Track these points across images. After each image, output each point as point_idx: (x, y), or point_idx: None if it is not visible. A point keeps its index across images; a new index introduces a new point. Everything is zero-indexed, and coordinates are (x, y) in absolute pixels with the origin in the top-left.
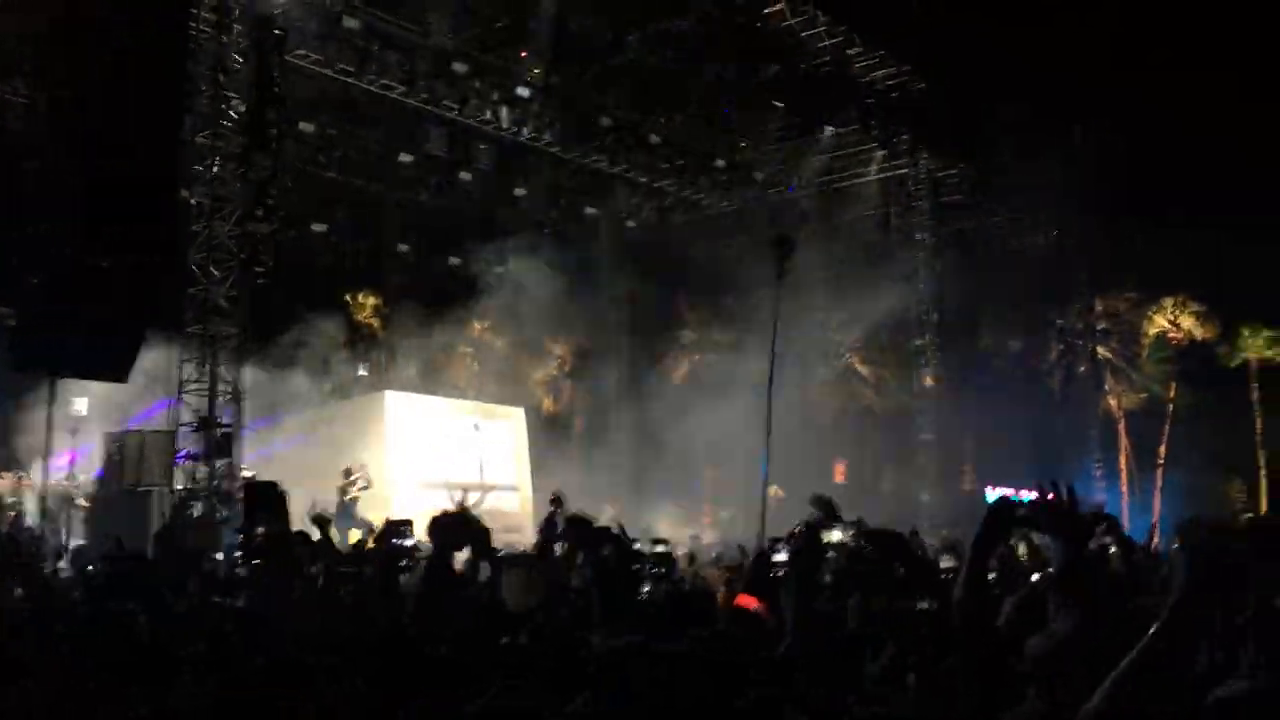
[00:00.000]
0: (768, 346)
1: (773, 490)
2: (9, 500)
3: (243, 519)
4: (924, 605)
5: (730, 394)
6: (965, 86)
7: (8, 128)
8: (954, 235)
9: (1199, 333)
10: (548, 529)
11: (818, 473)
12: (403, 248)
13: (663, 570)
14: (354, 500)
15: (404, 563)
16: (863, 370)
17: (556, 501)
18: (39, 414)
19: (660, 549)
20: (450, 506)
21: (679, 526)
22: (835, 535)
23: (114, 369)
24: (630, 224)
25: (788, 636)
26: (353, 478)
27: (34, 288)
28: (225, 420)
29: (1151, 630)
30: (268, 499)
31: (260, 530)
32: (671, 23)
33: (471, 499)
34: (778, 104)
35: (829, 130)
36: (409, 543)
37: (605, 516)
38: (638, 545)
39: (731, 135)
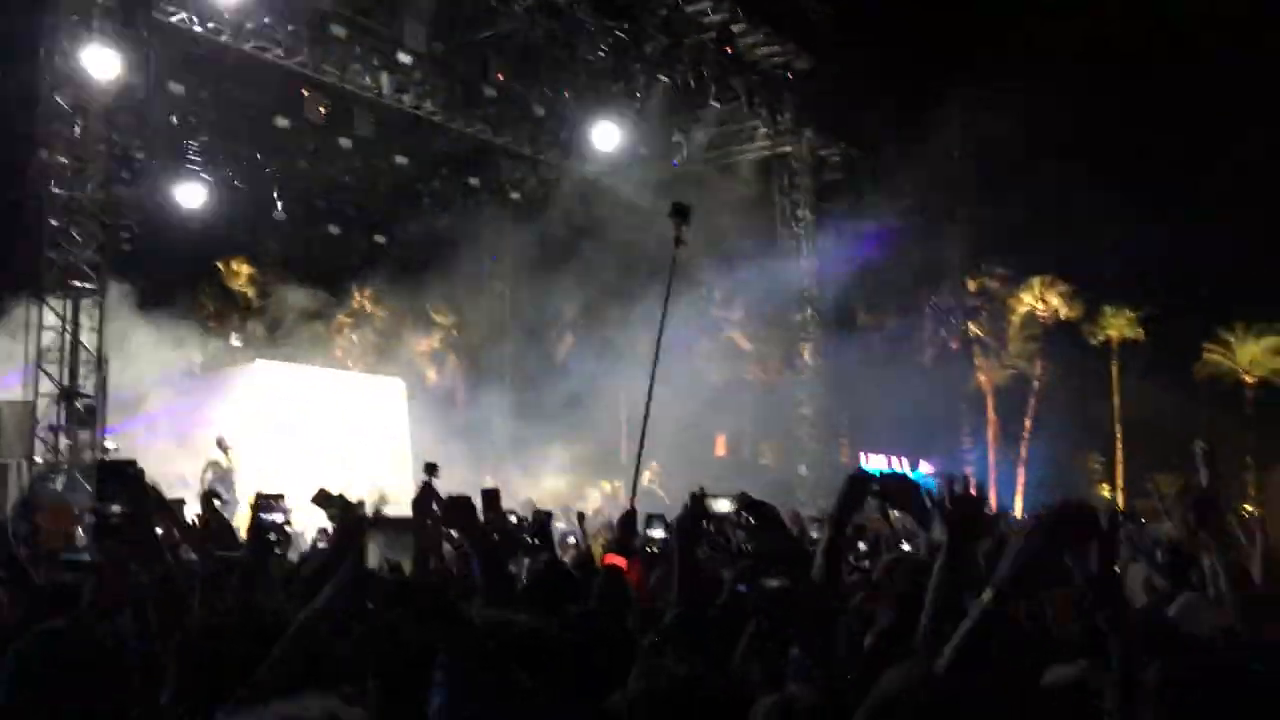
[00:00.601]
0: (651, 319)
1: (648, 472)
2: None
3: (95, 497)
4: (775, 583)
5: (615, 367)
6: (848, 67)
7: None
8: (834, 213)
9: (1065, 311)
10: (422, 497)
11: (699, 445)
12: (279, 215)
13: (541, 542)
14: (228, 472)
15: (274, 538)
16: (744, 345)
17: (430, 469)
18: None
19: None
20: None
21: (564, 500)
22: (722, 505)
23: None
24: (514, 195)
25: (672, 608)
26: (226, 451)
27: None
28: (87, 391)
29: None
30: (122, 477)
31: (115, 510)
32: None
33: (345, 472)
34: (663, 78)
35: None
36: (279, 518)
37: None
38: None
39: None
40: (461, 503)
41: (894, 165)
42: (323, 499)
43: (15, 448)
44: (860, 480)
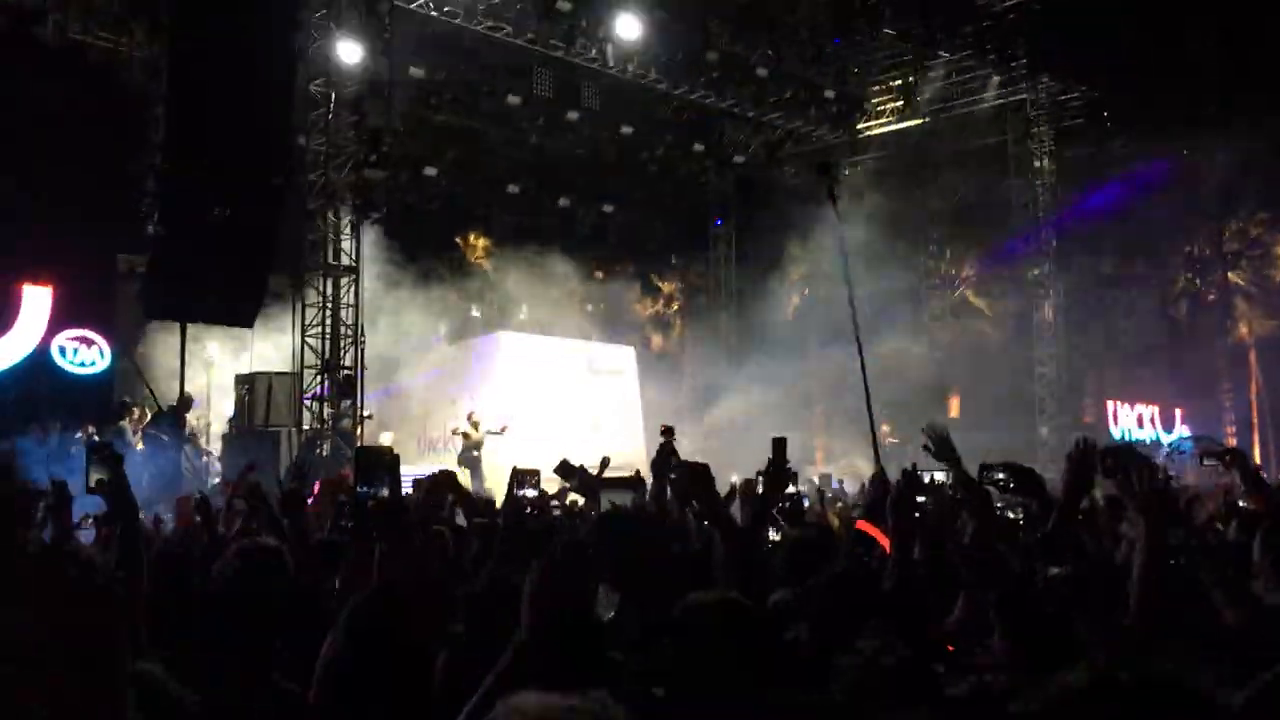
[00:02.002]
0: (879, 280)
1: (885, 428)
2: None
3: (356, 483)
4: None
5: (842, 329)
6: (1082, 6)
7: (130, 80)
8: (1075, 161)
9: None
10: (660, 460)
11: (933, 408)
12: (513, 189)
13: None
14: (477, 444)
15: (530, 510)
16: (978, 303)
17: (668, 432)
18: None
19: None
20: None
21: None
22: (938, 476)
23: (241, 315)
24: (738, 159)
25: (889, 578)
26: (476, 425)
27: (161, 236)
28: (347, 363)
29: None
30: (381, 463)
31: (372, 494)
32: None
33: (586, 439)
34: (889, 31)
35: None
36: (533, 493)
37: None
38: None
39: (840, 66)
40: (701, 473)
41: (1139, 106)
42: (564, 470)
43: (285, 417)
44: (1087, 453)
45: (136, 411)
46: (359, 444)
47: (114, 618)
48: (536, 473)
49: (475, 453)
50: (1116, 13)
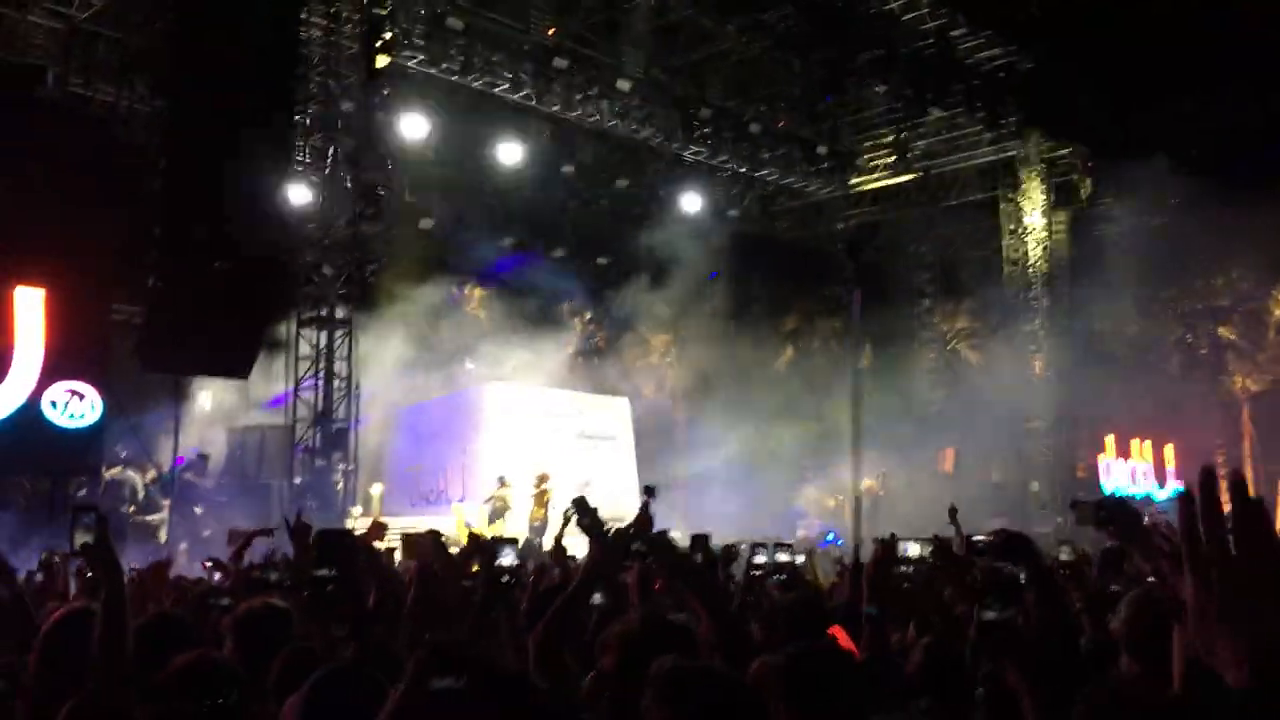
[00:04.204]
0: (871, 333)
1: (867, 483)
2: None
3: (302, 560)
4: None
5: (835, 380)
6: (1074, 65)
7: (131, 134)
8: (1064, 217)
9: None
10: (640, 519)
11: (925, 462)
12: (506, 241)
13: (786, 577)
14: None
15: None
16: (970, 357)
17: (649, 492)
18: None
19: (782, 558)
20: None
21: (786, 518)
22: (912, 549)
23: (236, 367)
24: (731, 213)
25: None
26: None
27: (158, 289)
28: (340, 415)
29: None
30: (337, 547)
31: (325, 574)
32: (769, 11)
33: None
34: (880, 89)
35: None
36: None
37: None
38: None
39: (833, 122)
40: (690, 565)
41: (1128, 164)
42: (580, 507)
43: (277, 469)
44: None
45: (151, 470)
46: (348, 496)
47: None
48: (514, 541)
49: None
50: (1108, 70)
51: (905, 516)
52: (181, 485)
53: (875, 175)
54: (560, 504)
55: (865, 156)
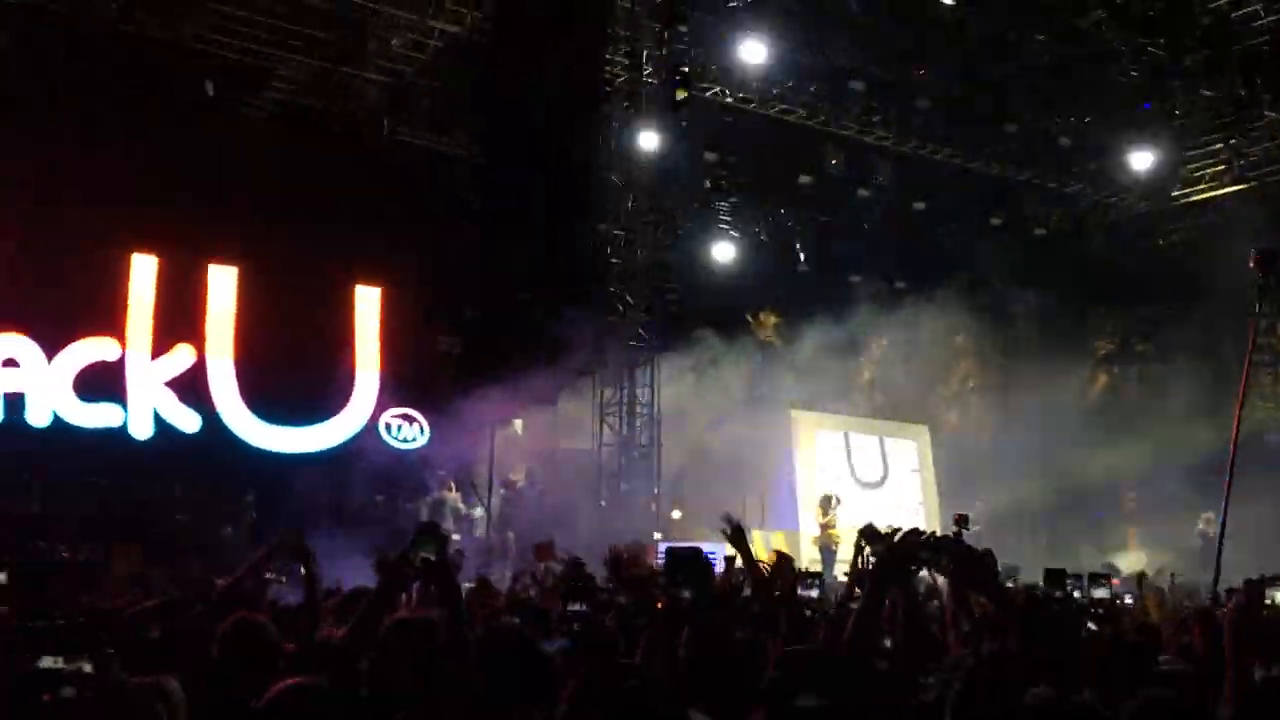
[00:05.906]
0: (1195, 360)
1: (1202, 521)
2: None
3: (664, 578)
4: None
5: (1152, 409)
6: None
7: (454, 181)
8: None
9: None
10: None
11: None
12: (802, 268)
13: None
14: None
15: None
16: None
17: (962, 521)
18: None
19: (1100, 593)
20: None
21: (1099, 555)
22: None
23: (546, 396)
24: (1039, 231)
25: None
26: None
27: (474, 320)
28: (643, 441)
29: None
30: (688, 565)
31: (684, 594)
32: (1078, 17)
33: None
34: (1208, 93)
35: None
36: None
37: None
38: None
39: (1152, 130)
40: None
41: None
42: (870, 534)
43: (583, 493)
44: None
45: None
46: (653, 519)
47: None
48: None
49: (833, 546)
50: None
51: (1240, 563)
52: (500, 505)
53: (1200, 186)
54: (849, 536)
55: (1189, 166)
